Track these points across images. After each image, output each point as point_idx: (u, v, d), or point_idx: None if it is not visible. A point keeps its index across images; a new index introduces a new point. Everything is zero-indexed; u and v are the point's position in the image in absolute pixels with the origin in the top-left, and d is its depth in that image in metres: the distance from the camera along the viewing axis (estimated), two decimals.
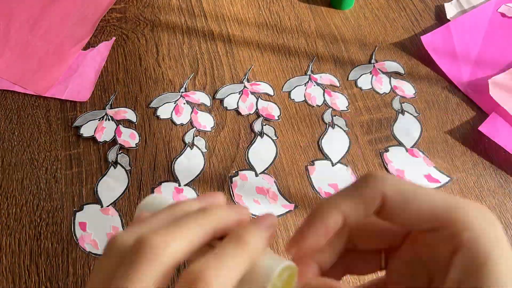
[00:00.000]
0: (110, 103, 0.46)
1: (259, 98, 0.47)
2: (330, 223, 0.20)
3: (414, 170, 0.42)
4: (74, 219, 0.39)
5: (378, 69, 0.49)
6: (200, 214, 0.20)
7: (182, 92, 0.47)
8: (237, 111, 0.46)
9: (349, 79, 0.48)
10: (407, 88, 0.48)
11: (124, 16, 0.54)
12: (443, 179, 0.41)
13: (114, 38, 0.51)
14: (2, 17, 0.52)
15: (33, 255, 0.37)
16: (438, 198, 0.19)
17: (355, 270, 0.23)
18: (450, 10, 0.54)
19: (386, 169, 0.42)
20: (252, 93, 0.47)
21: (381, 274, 0.22)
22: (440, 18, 0.54)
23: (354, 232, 0.22)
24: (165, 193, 0.40)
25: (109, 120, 0.45)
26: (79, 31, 0.52)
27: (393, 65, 0.50)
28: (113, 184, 0.41)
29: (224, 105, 0.46)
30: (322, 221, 0.20)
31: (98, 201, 0.40)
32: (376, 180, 0.20)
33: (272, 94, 0.47)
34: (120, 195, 0.40)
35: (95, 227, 0.38)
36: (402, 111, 0.46)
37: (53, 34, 0.51)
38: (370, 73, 0.49)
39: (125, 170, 0.42)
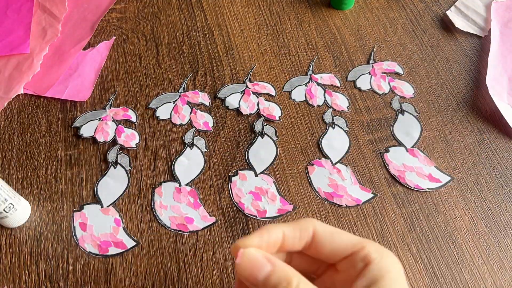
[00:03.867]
0: (110, 103, 0.46)
1: (261, 98, 0.47)
2: (272, 234, 0.26)
3: (415, 170, 0.42)
4: (74, 219, 0.39)
5: (377, 69, 0.49)
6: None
7: (181, 92, 0.47)
8: (238, 110, 0.46)
9: (348, 79, 0.48)
10: (406, 88, 0.48)
11: (124, 16, 0.54)
12: (444, 178, 0.41)
13: (114, 37, 0.51)
14: None
15: (33, 255, 0.37)
16: (351, 235, 0.27)
17: None
18: (455, 19, 0.54)
19: (387, 170, 0.42)
20: (254, 93, 0.47)
21: None
22: (441, 18, 0.54)
23: (289, 257, 0.29)
24: (165, 193, 0.40)
25: (109, 120, 0.45)
26: (79, 31, 0.52)
27: (392, 65, 0.50)
28: (113, 184, 0.41)
29: (226, 105, 0.46)
30: (268, 232, 0.26)
31: (98, 201, 0.40)
32: (309, 219, 0.28)
33: (274, 94, 0.47)
34: (120, 195, 0.40)
35: (95, 227, 0.39)
36: (402, 111, 0.46)
37: None
38: (369, 74, 0.49)
39: (125, 170, 0.42)
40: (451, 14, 0.54)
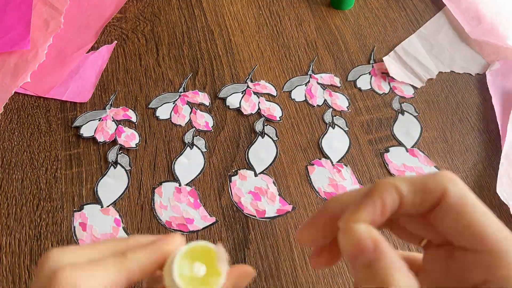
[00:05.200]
0: (110, 103, 0.46)
1: (262, 98, 0.47)
2: (387, 200, 0.19)
3: (415, 170, 0.42)
4: (74, 219, 0.39)
5: (377, 69, 0.49)
6: (120, 258, 0.20)
7: (181, 92, 0.47)
8: (238, 110, 0.46)
9: (348, 79, 0.48)
10: (406, 88, 0.48)
11: (124, 16, 0.54)
12: None
13: (115, 42, 0.51)
14: None
15: (33, 255, 0.37)
16: (494, 221, 0.19)
17: (398, 232, 0.23)
18: (391, 66, 0.49)
19: (387, 170, 0.42)
20: (255, 93, 0.47)
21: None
22: None
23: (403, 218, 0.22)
24: (165, 193, 0.40)
25: (109, 120, 0.45)
26: (81, 38, 0.51)
27: None
28: (113, 184, 0.41)
29: (226, 104, 0.46)
30: (380, 196, 0.19)
31: (98, 201, 0.40)
32: (443, 176, 0.19)
33: (275, 94, 0.47)
34: (120, 195, 0.40)
35: (95, 227, 0.39)
36: (402, 111, 0.46)
37: (56, 41, 0.51)
38: (369, 74, 0.49)
39: (125, 170, 0.42)
40: (388, 60, 0.49)
